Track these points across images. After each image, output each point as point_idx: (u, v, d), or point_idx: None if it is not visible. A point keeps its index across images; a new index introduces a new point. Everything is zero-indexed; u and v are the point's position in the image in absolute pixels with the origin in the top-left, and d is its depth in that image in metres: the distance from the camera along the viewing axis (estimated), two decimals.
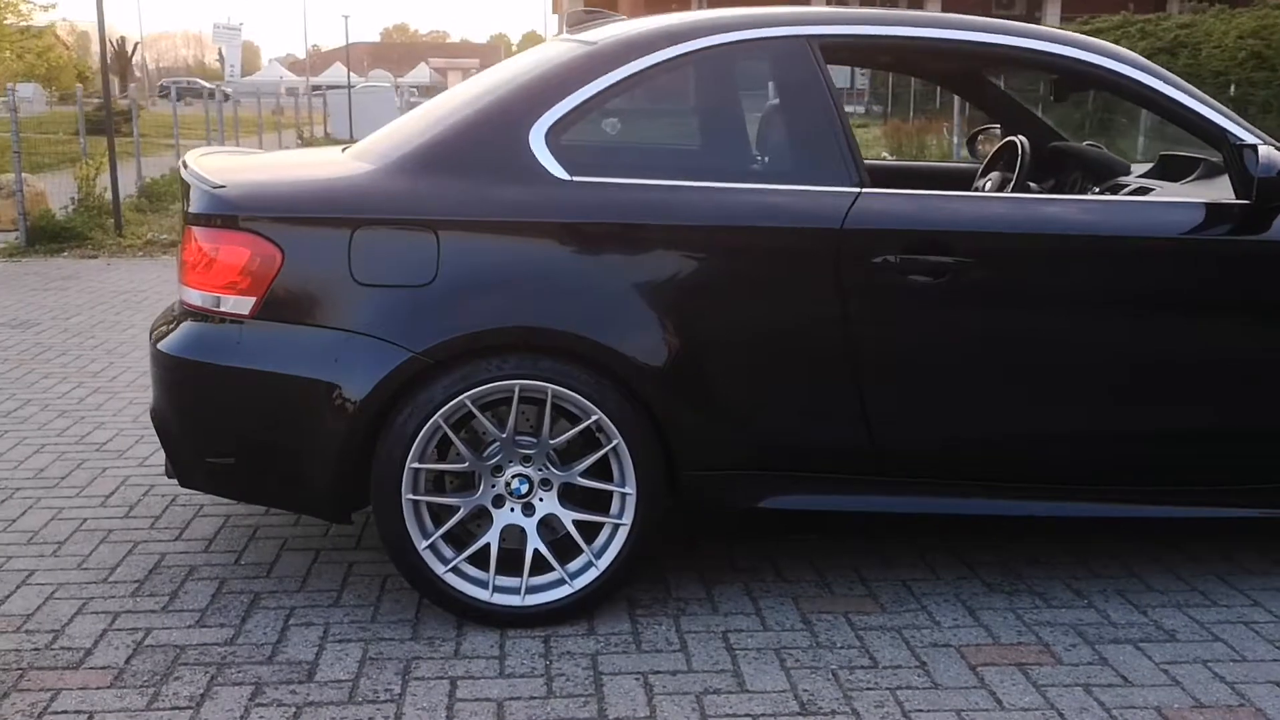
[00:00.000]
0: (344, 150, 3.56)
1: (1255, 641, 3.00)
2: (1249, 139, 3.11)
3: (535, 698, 2.69)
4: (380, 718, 2.60)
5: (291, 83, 54.59)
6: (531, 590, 3.00)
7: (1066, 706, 2.67)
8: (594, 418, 2.92)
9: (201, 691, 2.69)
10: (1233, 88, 13.84)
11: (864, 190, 2.99)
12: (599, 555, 3.00)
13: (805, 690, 2.73)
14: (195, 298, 3.03)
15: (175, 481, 3.48)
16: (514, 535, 3.03)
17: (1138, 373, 3.07)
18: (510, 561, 3.02)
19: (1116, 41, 16.38)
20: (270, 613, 3.09)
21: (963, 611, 3.15)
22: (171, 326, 3.12)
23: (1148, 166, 4.08)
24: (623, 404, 2.92)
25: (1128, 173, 4.05)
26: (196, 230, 3.01)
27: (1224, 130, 3.14)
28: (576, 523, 3.01)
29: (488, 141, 3.00)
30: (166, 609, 3.10)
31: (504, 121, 3.02)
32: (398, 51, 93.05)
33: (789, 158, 3.09)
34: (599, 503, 3.03)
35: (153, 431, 4.64)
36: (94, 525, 3.69)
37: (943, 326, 3.01)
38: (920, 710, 2.65)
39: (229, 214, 2.96)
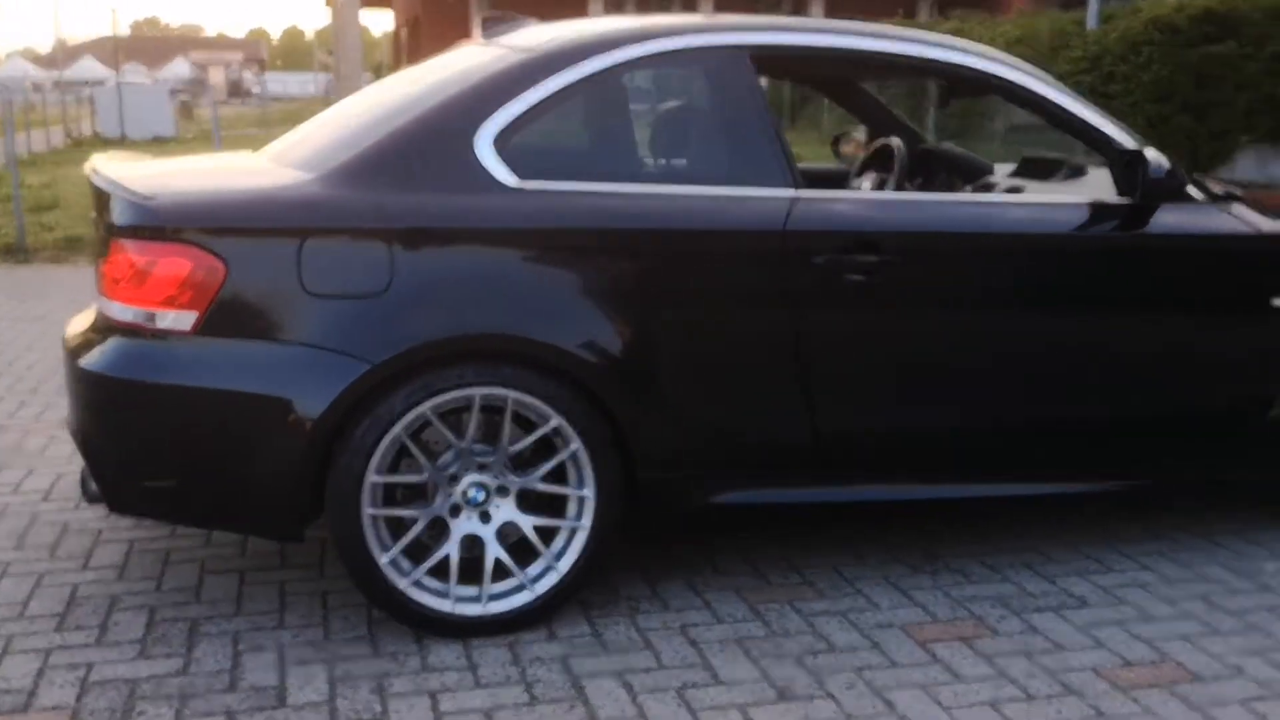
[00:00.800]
0: (258, 154, 3.45)
1: (1154, 602, 3.29)
2: (1130, 144, 3.40)
3: (520, 705, 2.70)
4: None
5: (37, 78, 51.16)
6: (492, 598, 3.00)
7: (1017, 674, 2.87)
8: (554, 422, 2.94)
9: None
10: None
11: (800, 193, 3.12)
12: (559, 559, 3.03)
13: (778, 677, 2.83)
14: (124, 313, 2.88)
15: (82, 506, 3.31)
16: (462, 544, 3.01)
17: (1052, 361, 3.31)
18: (464, 570, 3.00)
19: None
20: (215, 639, 2.97)
21: (895, 592, 3.32)
22: (95, 340, 2.96)
23: (1011, 166, 4.38)
24: (581, 408, 2.95)
25: (992, 172, 4.34)
26: (126, 243, 2.86)
27: (1109, 136, 3.41)
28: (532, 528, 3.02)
29: (433, 148, 2.97)
30: (101, 642, 2.94)
31: (448, 127, 2.99)
32: (151, 45, 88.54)
33: (732, 161, 3.17)
34: (551, 507, 3.05)
35: (12, 453, 4.38)
36: None
37: (877, 322, 3.17)
38: (890, 687, 2.80)
39: (165, 225, 2.83)
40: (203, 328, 2.82)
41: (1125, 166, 3.32)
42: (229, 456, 2.86)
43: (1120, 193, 3.39)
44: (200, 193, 2.97)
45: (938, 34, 3.62)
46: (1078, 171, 4.02)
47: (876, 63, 3.50)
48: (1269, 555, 3.61)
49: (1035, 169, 4.16)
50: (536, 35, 3.31)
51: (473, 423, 2.92)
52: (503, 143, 2.99)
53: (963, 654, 2.97)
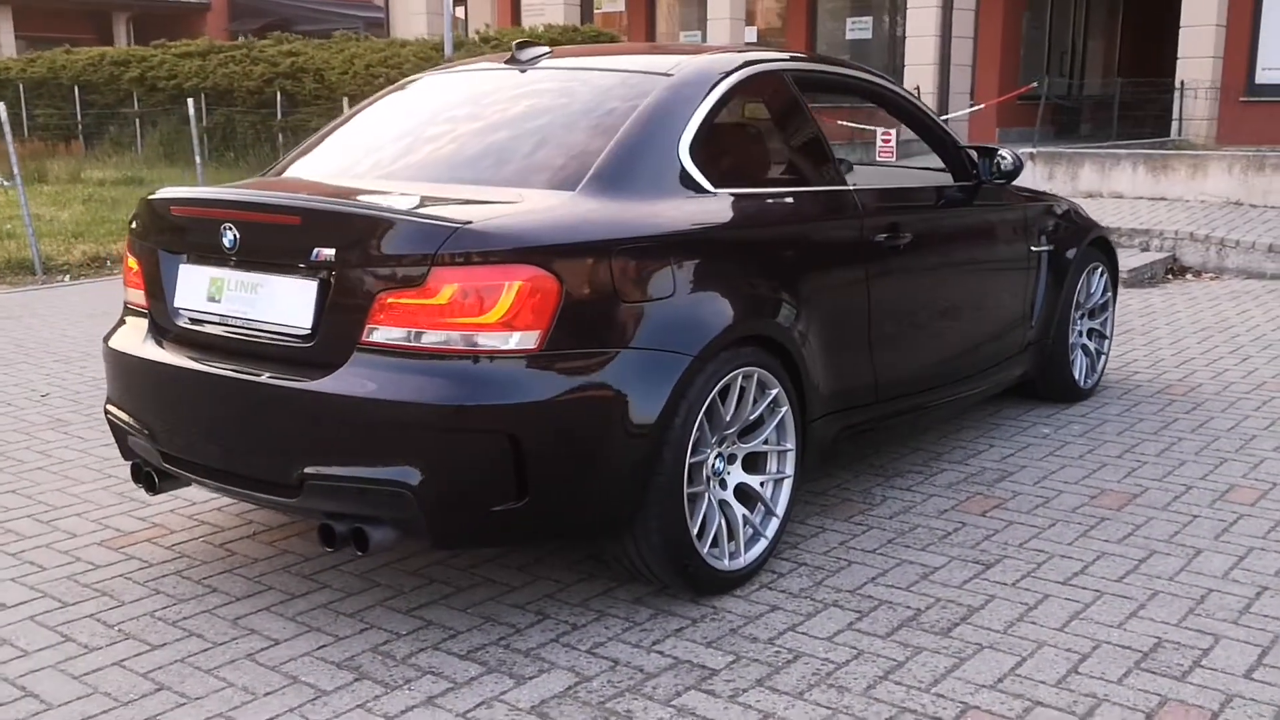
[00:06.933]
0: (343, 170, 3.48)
1: (1038, 462, 4.57)
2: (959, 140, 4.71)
3: (862, 616, 3.21)
4: (823, 671, 2.96)
5: None
6: (745, 550, 3.43)
7: (1058, 517, 3.99)
8: (773, 391, 3.45)
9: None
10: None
11: (851, 188, 3.95)
12: (775, 505, 3.53)
13: (960, 556, 3.64)
14: (437, 339, 2.87)
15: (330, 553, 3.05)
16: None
17: (973, 298, 4.54)
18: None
19: (240, 64, 17.17)
20: (560, 650, 3.03)
21: (906, 493, 4.25)
22: (374, 374, 2.88)
23: None
24: (787, 375, 3.50)
25: None
26: (451, 270, 2.85)
27: (953, 136, 4.68)
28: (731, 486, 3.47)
29: (657, 160, 3.32)
30: (472, 686, 2.86)
31: (660, 142, 3.35)
32: None
33: (821, 163, 3.88)
34: (755, 465, 3.53)
35: None
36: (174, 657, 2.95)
37: (903, 281, 4.11)
38: (1023, 542, 3.74)
39: (508, 249, 2.87)
40: (546, 344, 2.91)
41: (966, 159, 4.60)
42: (580, 465, 2.98)
43: (957, 178, 4.68)
44: (515, 215, 3.00)
45: (860, 64, 4.64)
46: (850, 167, 5.24)
47: (861, 86, 4.43)
48: (1034, 423, 5.14)
49: None
50: (660, 61, 3.72)
51: (733, 400, 3.33)
52: (693, 155, 3.41)
53: (1013, 515, 4.02)
